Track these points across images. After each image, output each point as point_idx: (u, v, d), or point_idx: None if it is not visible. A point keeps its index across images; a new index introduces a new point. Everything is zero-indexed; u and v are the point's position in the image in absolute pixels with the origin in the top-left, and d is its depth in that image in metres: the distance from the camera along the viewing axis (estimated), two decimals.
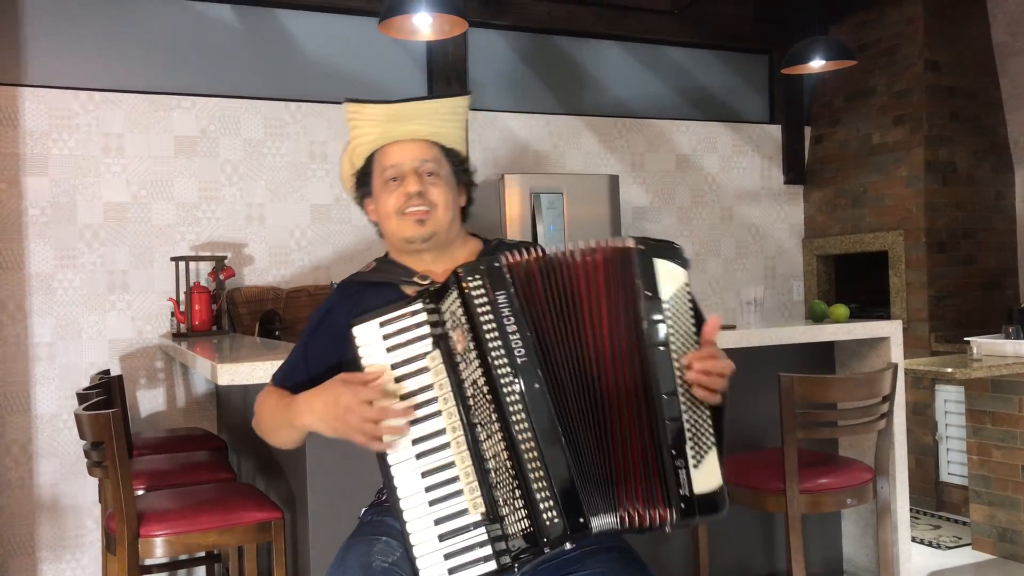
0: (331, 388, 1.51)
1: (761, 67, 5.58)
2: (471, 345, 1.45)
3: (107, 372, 3.49)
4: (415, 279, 1.70)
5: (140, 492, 2.70)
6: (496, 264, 1.48)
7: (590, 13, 4.94)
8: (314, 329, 1.76)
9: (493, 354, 1.43)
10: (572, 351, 1.46)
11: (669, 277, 1.47)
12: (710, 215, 5.35)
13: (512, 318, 1.44)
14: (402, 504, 1.46)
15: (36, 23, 3.93)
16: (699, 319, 1.50)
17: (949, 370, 3.48)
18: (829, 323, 3.20)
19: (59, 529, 3.86)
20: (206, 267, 4.09)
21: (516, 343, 1.43)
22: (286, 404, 1.63)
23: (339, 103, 4.42)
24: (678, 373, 1.43)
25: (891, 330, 3.20)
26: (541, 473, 1.40)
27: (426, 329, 1.50)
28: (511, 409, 1.41)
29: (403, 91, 4.60)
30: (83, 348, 3.93)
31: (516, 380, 1.42)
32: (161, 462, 3.12)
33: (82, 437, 2.41)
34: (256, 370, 2.18)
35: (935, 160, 4.82)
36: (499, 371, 1.42)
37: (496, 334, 1.44)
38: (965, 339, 4.05)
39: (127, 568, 2.21)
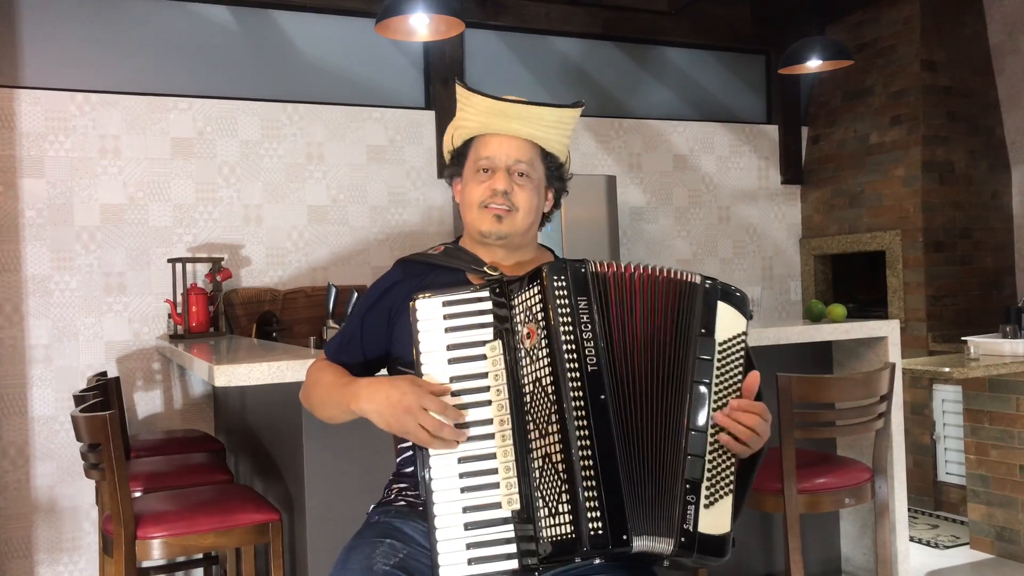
0: (398, 384, 1.49)
1: (758, 67, 5.58)
2: (543, 343, 1.43)
3: (104, 374, 3.49)
4: (485, 268, 1.70)
5: (137, 494, 2.69)
6: (582, 269, 1.47)
7: (587, 13, 4.94)
8: (374, 303, 1.74)
9: (565, 356, 1.41)
10: (632, 369, 1.46)
11: (728, 322, 1.49)
12: (707, 215, 5.35)
13: (589, 325, 1.43)
14: (433, 485, 1.44)
15: (32, 24, 3.93)
16: (748, 369, 1.51)
17: (947, 370, 3.48)
18: (827, 323, 3.20)
19: (56, 532, 3.85)
20: (203, 269, 4.08)
21: (589, 351, 1.42)
22: (344, 384, 1.61)
23: (335, 104, 4.46)
24: (712, 414, 1.44)
25: (888, 330, 3.20)
26: (592, 483, 1.38)
27: (489, 318, 1.49)
28: (574, 414, 1.39)
29: (401, 93, 4.60)
30: (80, 350, 3.92)
31: (584, 387, 1.41)
32: (158, 464, 3.11)
33: (79, 439, 2.40)
34: (253, 371, 2.17)
35: (932, 160, 4.83)
36: (568, 374, 1.41)
37: (571, 337, 1.42)
38: (963, 339, 4.05)
39: (124, 570, 2.20)
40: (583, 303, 1.44)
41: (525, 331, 1.45)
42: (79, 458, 3.03)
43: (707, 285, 1.50)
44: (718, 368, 1.46)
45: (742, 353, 1.49)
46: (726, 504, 1.44)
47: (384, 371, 1.77)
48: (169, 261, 3.90)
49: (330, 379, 1.68)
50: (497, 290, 1.50)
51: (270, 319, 4.02)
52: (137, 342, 4.02)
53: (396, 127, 4.55)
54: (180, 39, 4.19)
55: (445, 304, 1.50)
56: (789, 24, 5.26)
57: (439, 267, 1.74)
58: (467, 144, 1.78)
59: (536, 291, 1.45)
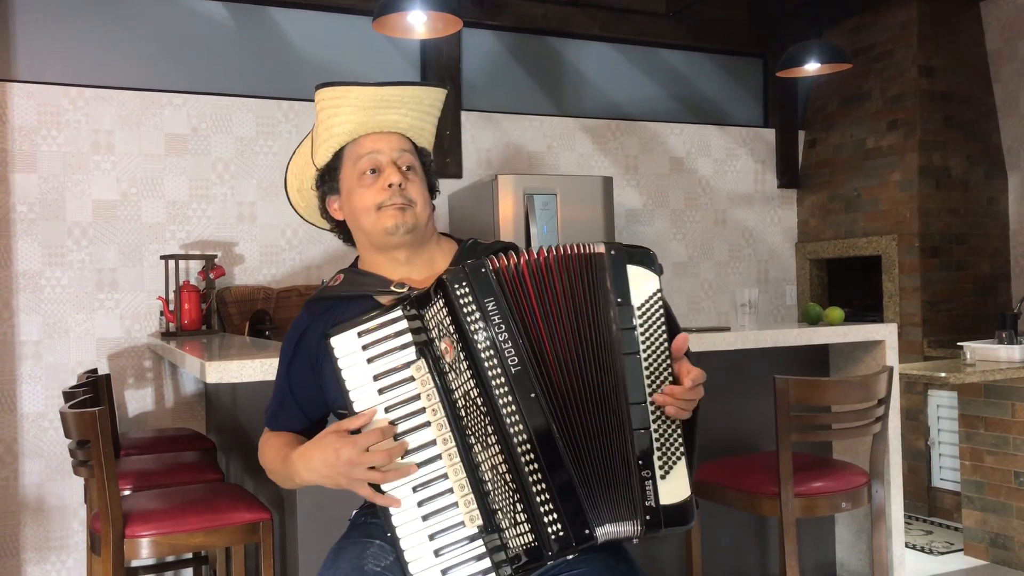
0: (328, 443, 1.44)
1: (755, 70, 5.58)
2: (461, 355, 1.39)
3: (95, 371, 3.45)
4: (392, 288, 1.61)
5: (126, 492, 2.67)
6: (482, 269, 1.41)
7: (585, 14, 4.93)
8: (292, 358, 1.66)
9: (485, 364, 1.38)
10: (560, 358, 1.42)
11: (641, 283, 1.44)
12: (703, 218, 5.34)
13: (503, 325, 1.39)
14: (394, 520, 1.41)
15: (26, 18, 3.90)
16: (671, 327, 1.47)
17: (943, 375, 3.47)
18: (824, 326, 3.18)
19: (44, 530, 3.81)
20: (196, 266, 4.05)
21: (508, 351, 1.38)
22: (284, 458, 1.56)
23: None
24: (647, 381, 1.41)
25: (886, 333, 3.19)
26: (543, 486, 1.36)
27: (408, 337, 1.43)
28: (508, 420, 1.37)
29: None
30: (70, 347, 3.88)
31: (512, 390, 1.38)
32: (148, 462, 3.08)
33: (67, 435, 2.37)
34: (245, 368, 2.15)
35: (929, 165, 4.82)
36: (493, 381, 1.38)
37: (488, 343, 1.38)
38: (958, 344, 4.05)
39: (112, 569, 2.17)
40: (491, 304, 1.40)
41: (443, 346, 1.41)
42: (68, 456, 2.99)
43: (612, 252, 1.44)
44: (641, 332, 1.42)
45: (661, 311, 1.44)
46: (681, 468, 1.42)
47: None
48: (162, 258, 3.87)
49: (273, 454, 1.62)
50: (408, 307, 1.44)
51: (263, 317, 4.00)
52: (129, 339, 3.99)
53: None
54: (175, 34, 4.16)
55: (360, 335, 1.44)
56: (787, 28, 5.26)
57: (345, 298, 1.65)
58: (336, 156, 1.68)
59: (442, 303, 1.41)
